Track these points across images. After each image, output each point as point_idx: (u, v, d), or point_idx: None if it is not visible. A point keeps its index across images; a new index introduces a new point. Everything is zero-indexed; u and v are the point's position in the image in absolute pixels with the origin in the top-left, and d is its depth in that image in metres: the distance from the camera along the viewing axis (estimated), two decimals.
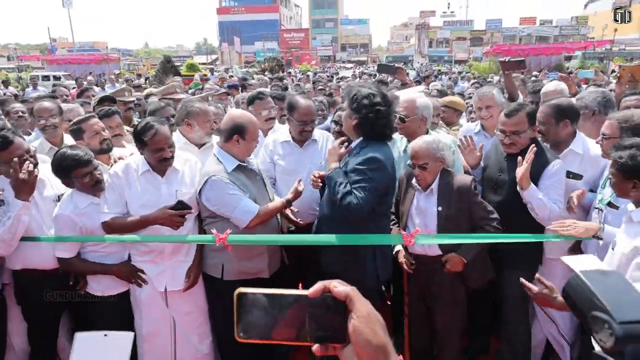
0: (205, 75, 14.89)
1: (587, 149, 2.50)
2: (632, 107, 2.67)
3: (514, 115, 2.41)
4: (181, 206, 2.19)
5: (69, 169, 2.21)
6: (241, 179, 2.34)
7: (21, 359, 2.53)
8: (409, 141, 2.62)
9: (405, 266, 2.51)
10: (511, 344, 2.66)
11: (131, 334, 0.57)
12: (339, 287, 0.59)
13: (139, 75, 18.87)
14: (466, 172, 2.74)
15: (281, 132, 3.08)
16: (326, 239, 2.27)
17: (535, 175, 2.33)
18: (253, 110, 3.44)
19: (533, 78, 10.30)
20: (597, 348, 0.72)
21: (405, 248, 2.50)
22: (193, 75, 10.91)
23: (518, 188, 2.31)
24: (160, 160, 2.28)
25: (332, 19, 64.39)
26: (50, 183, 2.38)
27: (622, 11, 9.45)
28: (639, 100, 2.97)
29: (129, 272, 2.35)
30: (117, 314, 2.33)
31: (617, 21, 9.86)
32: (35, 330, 2.46)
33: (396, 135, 2.92)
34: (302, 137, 2.89)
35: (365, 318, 0.58)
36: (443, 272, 2.38)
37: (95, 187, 2.27)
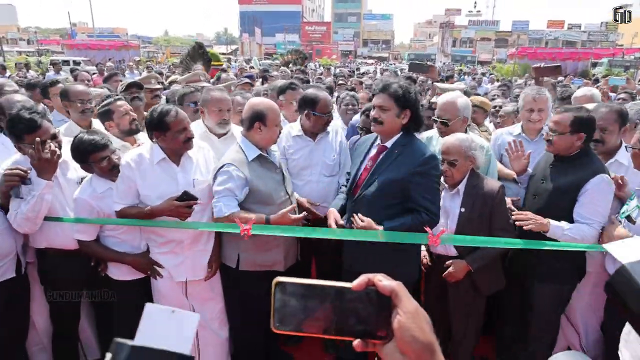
0: (228, 65, 14.88)
1: (631, 160, 2.40)
2: None
3: (560, 113, 2.28)
4: (187, 197, 2.14)
5: (86, 154, 2.21)
6: (258, 170, 2.32)
7: (43, 338, 2.56)
8: None
9: (421, 264, 2.48)
10: (531, 350, 2.57)
11: (197, 315, 0.55)
12: (384, 281, 0.57)
13: (149, 61, 18.60)
14: (509, 178, 2.68)
15: (291, 125, 3.04)
16: (351, 234, 2.22)
17: (578, 186, 2.21)
18: (284, 100, 3.43)
19: (559, 83, 10.06)
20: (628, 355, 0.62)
21: (427, 246, 2.46)
22: (220, 65, 10.86)
23: (542, 232, 2.20)
24: (185, 141, 2.24)
25: (355, 13, 63.92)
26: (73, 165, 2.39)
27: (622, 11, 9.10)
28: None
29: (146, 264, 2.34)
30: (137, 299, 2.31)
31: (617, 21, 9.54)
32: (57, 311, 2.48)
33: (431, 132, 2.90)
34: (323, 129, 2.89)
35: (412, 314, 0.56)
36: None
37: (112, 171, 2.26)
